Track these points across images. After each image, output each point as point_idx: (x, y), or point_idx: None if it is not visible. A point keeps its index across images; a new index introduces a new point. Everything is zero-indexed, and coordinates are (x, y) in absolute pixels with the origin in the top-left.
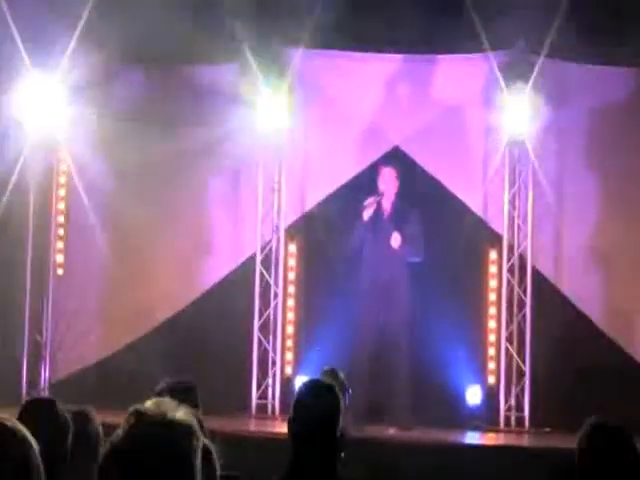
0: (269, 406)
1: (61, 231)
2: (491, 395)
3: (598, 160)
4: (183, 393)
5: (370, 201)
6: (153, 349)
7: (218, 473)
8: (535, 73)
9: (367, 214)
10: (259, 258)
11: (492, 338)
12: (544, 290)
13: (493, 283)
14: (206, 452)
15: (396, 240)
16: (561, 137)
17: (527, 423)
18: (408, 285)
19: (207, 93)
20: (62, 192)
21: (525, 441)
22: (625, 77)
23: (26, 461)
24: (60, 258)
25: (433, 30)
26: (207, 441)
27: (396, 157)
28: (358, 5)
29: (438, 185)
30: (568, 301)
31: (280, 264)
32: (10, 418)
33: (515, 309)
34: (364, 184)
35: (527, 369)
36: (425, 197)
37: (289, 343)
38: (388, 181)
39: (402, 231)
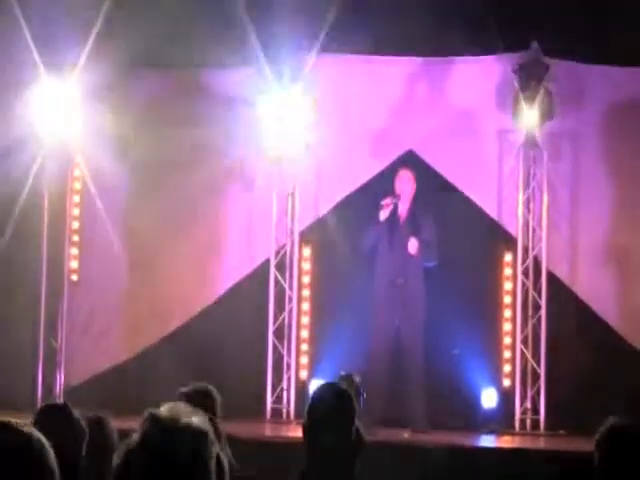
0: (284, 410)
1: (75, 237)
2: (506, 398)
3: (613, 161)
4: (200, 399)
5: (387, 201)
6: (168, 354)
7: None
8: (549, 75)
9: (383, 214)
10: (273, 262)
11: (507, 341)
12: (559, 292)
13: (508, 286)
14: (217, 459)
15: (413, 246)
16: (575, 139)
17: (542, 426)
18: (423, 288)
19: (221, 97)
20: (77, 198)
21: (541, 444)
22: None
23: (42, 467)
24: (75, 264)
25: (447, 33)
26: (218, 448)
27: (410, 160)
28: (372, 8)
29: (452, 188)
30: (583, 303)
31: (294, 268)
32: (26, 423)
33: (530, 311)
34: (378, 188)
35: (542, 372)
36: (439, 200)
37: (304, 347)
38: (405, 184)
39: (417, 235)
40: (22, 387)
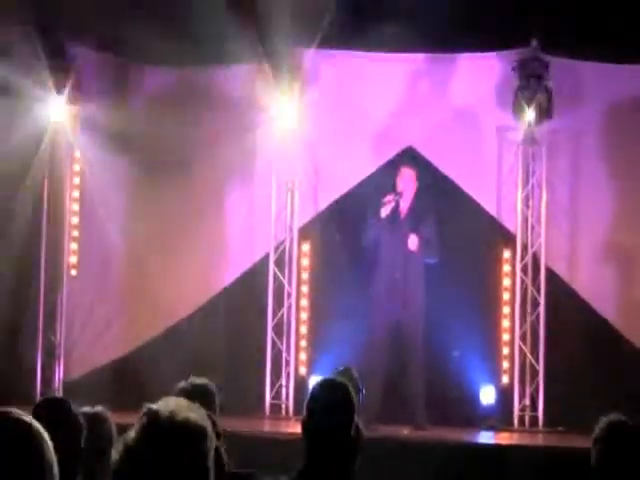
0: (283, 406)
1: (75, 232)
2: (505, 395)
3: (612, 159)
4: (199, 394)
5: (389, 198)
6: (167, 349)
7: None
8: (549, 72)
9: (385, 211)
10: (272, 258)
11: (506, 337)
12: (558, 289)
13: (507, 282)
14: (216, 453)
15: (413, 242)
16: (575, 136)
17: (541, 423)
18: (423, 285)
19: (221, 94)
20: (76, 193)
21: (539, 440)
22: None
23: (41, 457)
24: (74, 259)
25: (447, 30)
26: (218, 443)
27: (410, 157)
28: (371, 5)
29: (452, 184)
30: (582, 300)
31: (294, 264)
32: (26, 414)
33: (529, 308)
34: (377, 184)
35: (541, 368)
36: (439, 196)
37: (303, 343)
38: (407, 181)
39: (418, 232)
40: (21, 382)
